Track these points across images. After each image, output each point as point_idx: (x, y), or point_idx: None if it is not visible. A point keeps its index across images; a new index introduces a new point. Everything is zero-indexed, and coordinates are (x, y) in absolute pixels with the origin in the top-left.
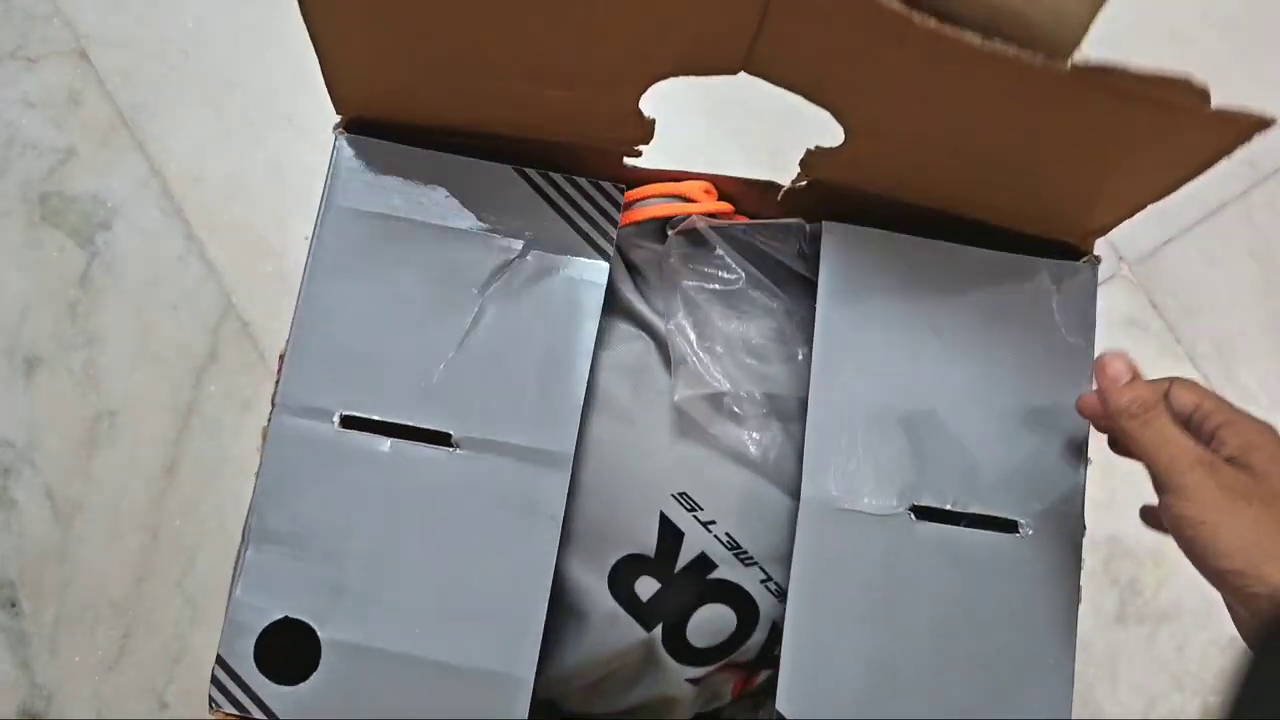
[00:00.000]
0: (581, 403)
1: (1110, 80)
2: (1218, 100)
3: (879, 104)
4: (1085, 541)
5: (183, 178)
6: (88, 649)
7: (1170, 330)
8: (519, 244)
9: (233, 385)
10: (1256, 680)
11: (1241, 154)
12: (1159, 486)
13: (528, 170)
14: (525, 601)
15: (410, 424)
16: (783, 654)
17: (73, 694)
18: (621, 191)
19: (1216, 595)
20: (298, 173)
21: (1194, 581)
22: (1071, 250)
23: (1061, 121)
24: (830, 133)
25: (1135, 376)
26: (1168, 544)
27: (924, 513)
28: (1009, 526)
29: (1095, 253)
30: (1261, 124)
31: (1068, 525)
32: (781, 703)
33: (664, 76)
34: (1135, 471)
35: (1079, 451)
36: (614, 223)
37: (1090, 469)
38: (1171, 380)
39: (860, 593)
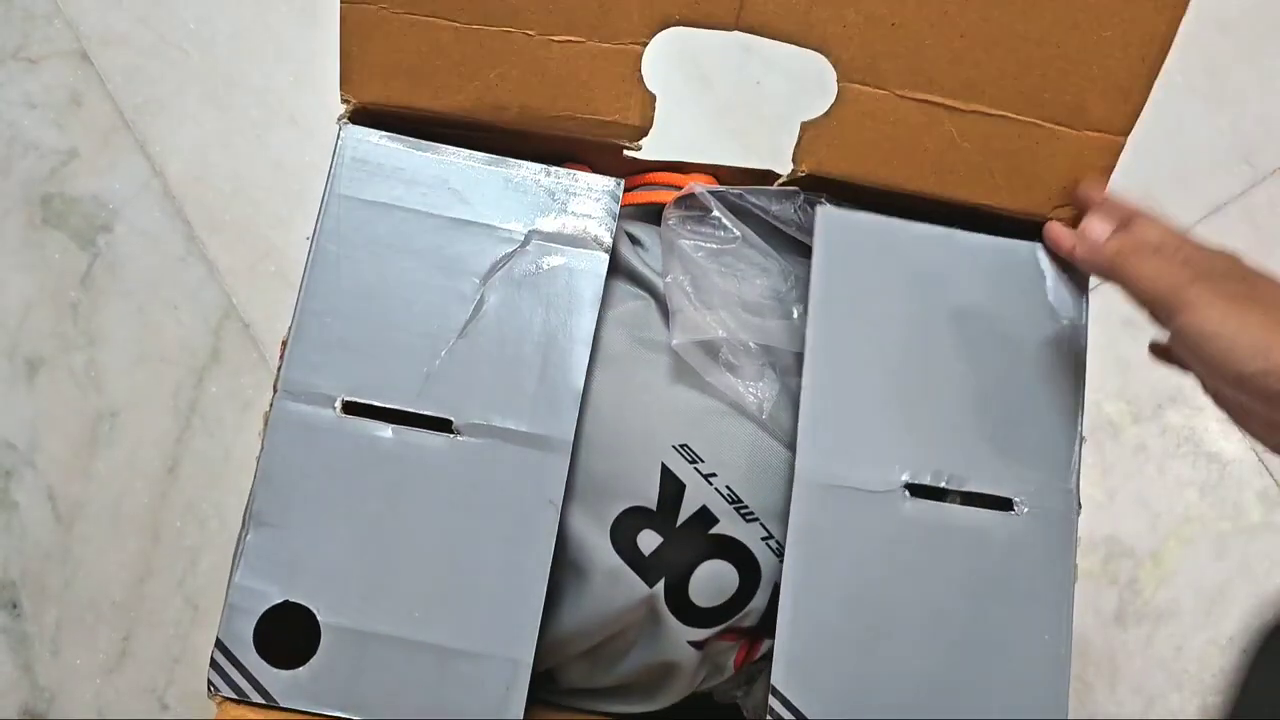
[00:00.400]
0: (581, 390)
1: None
2: (1218, 100)
3: (865, 33)
4: (1083, 542)
5: (184, 178)
6: (89, 650)
7: None
8: (520, 235)
9: (234, 386)
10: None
11: (1241, 154)
12: (1167, 312)
13: (529, 163)
14: (524, 585)
15: (411, 410)
16: (778, 630)
17: (74, 695)
18: (620, 186)
19: (1216, 595)
20: (299, 173)
21: (1194, 582)
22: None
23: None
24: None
25: (1116, 224)
26: (1167, 544)
27: (918, 490)
28: (1003, 504)
29: None
30: None
31: (1062, 503)
32: (778, 678)
33: (667, 25)
34: (1134, 471)
35: (1073, 429)
36: (613, 216)
37: (1090, 469)
38: (1134, 217)
39: (856, 570)
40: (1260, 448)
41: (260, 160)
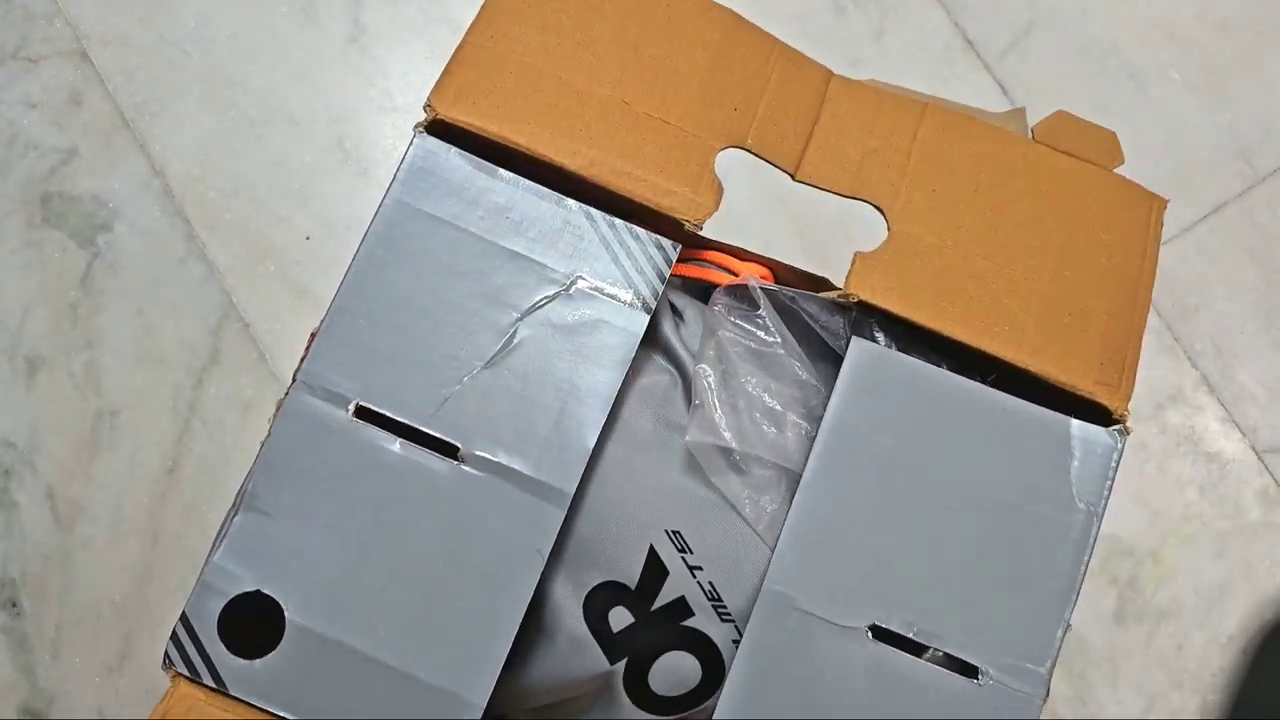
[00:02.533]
0: (591, 448)
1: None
2: (1217, 100)
3: (911, 192)
4: None
5: (184, 178)
6: (89, 651)
7: (1169, 329)
8: (568, 278)
9: (234, 386)
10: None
11: (1241, 154)
12: None
13: (593, 210)
14: (494, 629)
15: (422, 429)
16: None
17: (74, 697)
18: (678, 250)
19: (1216, 594)
20: (299, 173)
21: (1193, 580)
22: (1104, 415)
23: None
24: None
25: None
26: (1167, 543)
27: (884, 635)
28: (969, 671)
29: (1128, 423)
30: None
31: (1030, 686)
32: None
33: (738, 145)
34: (1134, 470)
35: (1059, 615)
36: (663, 279)
37: None
38: None
39: (800, 696)
40: (1260, 446)
41: (260, 160)
